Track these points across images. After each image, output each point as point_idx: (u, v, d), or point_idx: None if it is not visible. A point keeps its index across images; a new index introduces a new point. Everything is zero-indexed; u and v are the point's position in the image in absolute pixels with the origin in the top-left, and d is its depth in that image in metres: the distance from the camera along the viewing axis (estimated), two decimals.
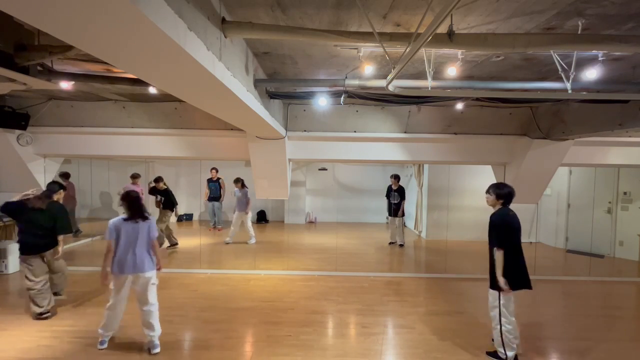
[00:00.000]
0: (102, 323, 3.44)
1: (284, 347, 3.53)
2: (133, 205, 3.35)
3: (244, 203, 7.90)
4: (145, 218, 3.37)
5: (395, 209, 7.96)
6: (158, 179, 7.34)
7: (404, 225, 8.13)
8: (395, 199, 7.95)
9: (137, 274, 3.29)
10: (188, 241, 8.24)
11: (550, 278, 5.95)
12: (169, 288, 5.12)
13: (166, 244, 7.38)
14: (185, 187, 10.72)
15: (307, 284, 5.43)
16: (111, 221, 3.33)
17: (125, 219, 3.33)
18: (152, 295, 3.37)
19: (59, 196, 4.34)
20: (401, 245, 8.00)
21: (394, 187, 8.00)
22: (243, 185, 7.98)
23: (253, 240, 8.00)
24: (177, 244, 7.46)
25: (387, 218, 8.63)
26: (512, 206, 3.35)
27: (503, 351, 3.27)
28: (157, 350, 3.36)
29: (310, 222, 11.16)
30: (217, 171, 8.87)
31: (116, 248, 3.28)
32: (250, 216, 8.07)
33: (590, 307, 4.83)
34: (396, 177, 7.99)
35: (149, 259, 3.35)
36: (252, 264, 6.48)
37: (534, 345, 3.69)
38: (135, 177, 7.76)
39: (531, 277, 3.28)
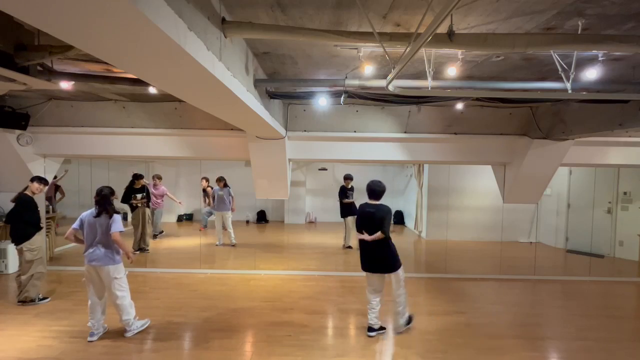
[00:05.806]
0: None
1: (284, 347, 3.53)
2: (101, 202, 3.57)
3: (225, 202, 7.73)
4: (110, 215, 3.56)
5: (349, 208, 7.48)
6: (138, 176, 6.99)
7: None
8: (352, 198, 7.55)
9: (99, 267, 3.53)
10: (188, 241, 8.26)
11: (550, 278, 5.92)
12: (168, 288, 5.12)
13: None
14: (185, 187, 10.72)
15: (307, 284, 5.43)
16: (83, 214, 3.64)
17: (93, 215, 3.57)
18: (117, 288, 3.59)
19: (32, 188, 4.41)
20: (349, 247, 7.71)
21: (347, 187, 7.58)
22: (225, 185, 7.84)
23: (234, 241, 7.79)
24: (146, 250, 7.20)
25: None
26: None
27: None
28: (129, 334, 3.64)
29: (310, 222, 11.16)
30: (207, 181, 8.58)
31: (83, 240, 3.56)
32: (231, 216, 7.84)
33: (590, 307, 4.83)
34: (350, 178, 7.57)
35: (109, 253, 3.55)
36: (252, 264, 6.47)
37: (534, 345, 3.70)
38: (158, 177, 8.05)
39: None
